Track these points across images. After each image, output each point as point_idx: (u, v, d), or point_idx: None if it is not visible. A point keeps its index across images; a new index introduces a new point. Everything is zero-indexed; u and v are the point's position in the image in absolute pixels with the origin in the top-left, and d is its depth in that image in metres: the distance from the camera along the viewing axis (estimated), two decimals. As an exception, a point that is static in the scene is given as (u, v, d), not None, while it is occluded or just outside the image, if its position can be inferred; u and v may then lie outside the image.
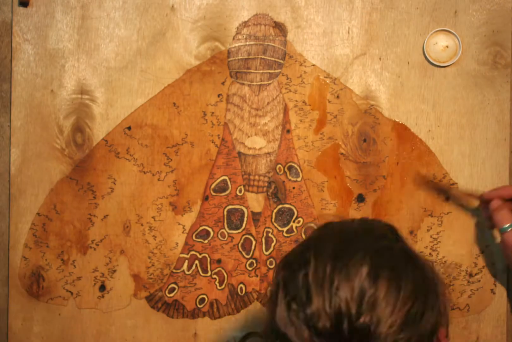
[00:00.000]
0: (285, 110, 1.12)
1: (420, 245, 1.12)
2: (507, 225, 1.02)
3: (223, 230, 1.12)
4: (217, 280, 1.12)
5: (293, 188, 1.11)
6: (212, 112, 1.11)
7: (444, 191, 1.11)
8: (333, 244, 0.77)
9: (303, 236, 1.12)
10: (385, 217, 1.12)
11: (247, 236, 1.12)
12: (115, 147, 1.11)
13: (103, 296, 1.11)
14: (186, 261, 1.12)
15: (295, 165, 1.11)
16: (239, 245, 1.12)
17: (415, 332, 0.74)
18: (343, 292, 0.73)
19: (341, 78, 1.11)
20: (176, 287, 1.11)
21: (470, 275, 1.12)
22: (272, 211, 1.12)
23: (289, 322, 0.74)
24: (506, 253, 1.03)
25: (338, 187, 1.12)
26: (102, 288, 1.11)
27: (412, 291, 0.74)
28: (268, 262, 1.12)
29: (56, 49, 1.10)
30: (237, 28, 1.11)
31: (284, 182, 1.12)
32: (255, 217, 1.12)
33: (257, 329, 1.12)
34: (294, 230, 1.12)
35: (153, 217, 1.11)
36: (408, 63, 1.11)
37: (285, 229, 1.12)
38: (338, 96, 1.11)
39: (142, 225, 1.11)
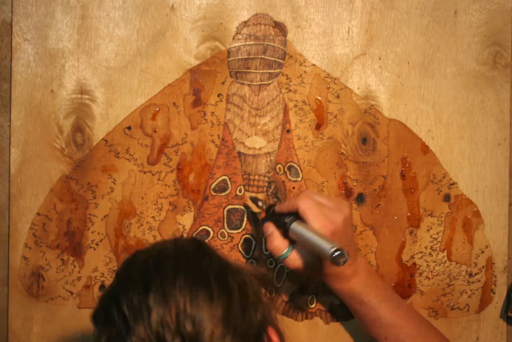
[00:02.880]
0: (285, 110, 1.12)
1: (420, 245, 1.12)
2: (284, 251, 1.00)
3: (223, 230, 1.12)
4: (217, 280, 1.12)
5: (293, 187, 1.11)
6: (212, 112, 1.11)
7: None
8: (137, 269, 0.78)
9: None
10: (385, 217, 1.12)
11: (247, 236, 1.12)
12: (115, 147, 1.11)
13: (103, 296, 1.11)
14: (186, 261, 1.12)
15: (295, 165, 1.12)
16: (239, 245, 1.12)
17: (240, 336, 0.75)
18: (159, 315, 0.74)
19: (341, 78, 1.11)
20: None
21: (470, 275, 1.12)
22: (272, 211, 1.12)
23: None
24: (298, 270, 1.01)
25: (338, 187, 1.12)
26: (102, 288, 1.11)
27: (227, 300, 0.76)
28: (268, 262, 1.12)
29: (56, 49, 1.10)
30: (237, 28, 1.11)
31: (284, 181, 1.12)
32: (255, 216, 1.12)
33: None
34: (294, 229, 1.12)
35: (153, 217, 1.11)
36: (408, 63, 1.11)
37: (285, 229, 1.12)
38: (338, 96, 1.11)
39: (142, 224, 1.11)
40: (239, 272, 0.81)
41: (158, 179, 1.11)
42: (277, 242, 1.00)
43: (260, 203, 1.07)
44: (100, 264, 1.11)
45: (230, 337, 0.75)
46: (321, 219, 0.98)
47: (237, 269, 0.82)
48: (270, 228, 1.02)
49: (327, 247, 0.94)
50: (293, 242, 1.00)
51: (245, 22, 1.11)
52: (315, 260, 0.99)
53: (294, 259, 1.00)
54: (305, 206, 0.98)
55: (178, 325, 0.73)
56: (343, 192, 1.12)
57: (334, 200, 1.02)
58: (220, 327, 0.74)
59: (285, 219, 1.00)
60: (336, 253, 0.93)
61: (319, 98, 1.11)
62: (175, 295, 0.75)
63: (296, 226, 0.99)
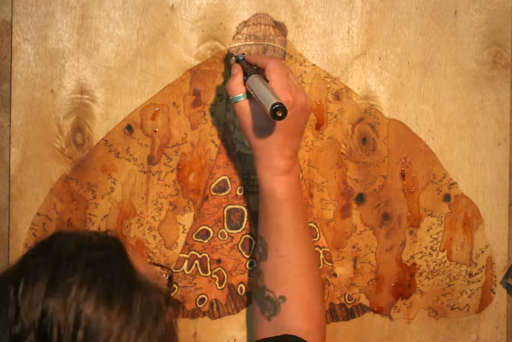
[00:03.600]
0: (285, 110, 1.11)
1: (420, 245, 1.12)
2: (239, 95, 1.00)
3: (223, 230, 1.12)
4: (217, 280, 1.12)
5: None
6: (212, 112, 1.11)
7: None
8: (46, 266, 0.77)
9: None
10: (385, 217, 1.12)
11: (247, 235, 1.12)
12: (115, 147, 1.11)
13: (103, 296, 1.11)
14: (186, 261, 1.12)
15: (295, 165, 1.11)
16: (239, 244, 1.12)
17: None
18: (53, 314, 0.73)
19: (341, 78, 1.11)
20: (175, 286, 1.11)
21: (470, 275, 1.12)
22: (272, 211, 1.12)
23: None
24: (241, 122, 1.01)
25: (338, 187, 1.12)
26: (102, 288, 1.11)
27: (127, 316, 0.75)
28: (268, 262, 1.12)
29: (56, 49, 1.10)
30: (237, 28, 1.11)
31: (284, 181, 1.11)
32: (255, 216, 1.12)
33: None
34: (294, 229, 1.12)
35: (153, 217, 1.11)
36: (408, 63, 1.11)
37: (285, 229, 1.12)
38: (338, 96, 1.11)
39: (142, 224, 1.11)
40: (145, 290, 0.79)
41: (158, 179, 1.11)
42: (236, 83, 1.00)
43: (235, 57, 1.07)
44: (100, 264, 1.11)
45: None
46: (283, 86, 0.97)
47: (145, 286, 0.80)
48: (237, 69, 1.03)
49: (272, 98, 0.93)
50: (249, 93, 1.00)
51: (245, 22, 1.11)
52: (260, 120, 0.98)
53: (243, 107, 0.99)
54: (275, 67, 0.99)
55: (71, 330, 0.73)
56: (343, 192, 1.12)
57: (302, 88, 1.03)
58: (114, 335, 0.74)
59: (250, 70, 1.01)
60: (277, 105, 0.92)
61: (319, 98, 1.11)
62: (75, 305, 0.74)
63: (254, 78, 0.99)
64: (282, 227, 1.00)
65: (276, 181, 1.00)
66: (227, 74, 1.09)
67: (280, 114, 0.92)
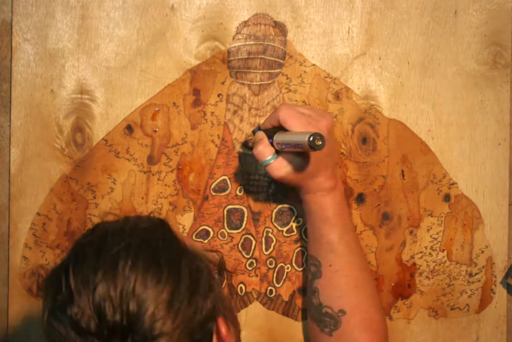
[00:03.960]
0: (285, 110, 1.11)
1: (420, 245, 1.12)
2: (269, 157, 1.00)
3: (223, 230, 1.12)
4: (217, 280, 1.12)
5: (293, 188, 1.11)
6: (212, 112, 1.11)
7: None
8: (93, 244, 0.78)
9: (303, 236, 1.12)
10: (385, 217, 1.12)
11: (247, 235, 1.12)
12: (115, 147, 1.11)
13: (103, 296, 1.11)
14: (186, 261, 1.11)
15: (295, 165, 1.11)
16: (239, 244, 1.12)
17: (183, 322, 0.75)
18: (103, 289, 0.74)
19: (341, 78, 1.11)
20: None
21: (470, 275, 1.12)
22: (272, 211, 1.12)
23: (52, 328, 0.76)
24: (281, 178, 1.01)
25: (338, 187, 1.12)
26: (102, 288, 1.11)
27: (176, 284, 0.76)
28: (268, 261, 1.12)
29: (56, 49, 1.10)
30: (237, 27, 1.11)
31: (284, 181, 1.12)
32: (255, 216, 1.12)
33: (257, 328, 1.12)
34: (294, 229, 1.12)
35: (153, 217, 1.11)
36: (408, 63, 1.11)
37: (285, 229, 1.12)
38: (338, 96, 1.11)
39: (142, 224, 1.11)
40: (194, 257, 0.80)
41: (158, 179, 1.11)
42: (263, 147, 1.01)
43: (250, 143, 1.08)
44: (100, 264, 1.11)
45: (170, 321, 0.74)
46: (303, 125, 0.98)
47: (193, 254, 0.81)
48: (260, 135, 1.03)
49: (305, 134, 0.94)
50: (279, 152, 1.01)
51: (245, 22, 1.11)
52: (298, 166, 0.99)
53: (277, 167, 1.00)
54: (285, 115, 0.99)
55: (121, 302, 0.73)
56: (343, 192, 1.12)
57: (316, 109, 1.04)
58: (162, 310, 0.74)
59: (271, 132, 1.02)
60: (313, 137, 0.92)
61: (319, 98, 1.11)
62: (123, 274, 0.74)
63: (279, 134, 1.00)
64: (334, 242, 1.02)
65: (324, 201, 1.02)
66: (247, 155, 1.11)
67: (319, 143, 0.93)
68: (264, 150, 1.00)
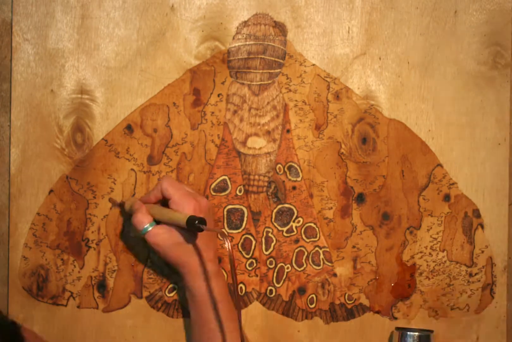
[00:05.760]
0: (285, 110, 1.12)
1: (420, 245, 1.12)
2: (146, 225, 1.01)
3: (223, 230, 1.12)
4: (217, 280, 1.12)
5: (293, 187, 1.11)
6: (212, 112, 1.11)
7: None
8: None
9: (303, 236, 1.12)
10: (385, 217, 1.12)
11: (247, 235, 1.12)
12: (115, 147, 1.11)
13: (103, 296, 1.11)
14: (186, 261, 1.12)
15: (295, 165, 1.12)
16: (239, 244, 1.12)
17: None
18: None
19: (341, 78, 1.11)
20: (176, 286, 1.11)
21: (470, 275, 1.12)
22: (272, 211, 1.12)
23: None
24: (158, 247, 1.01)
25: (338, 187, 1.12)
26: (102, 287, 1.11)
27: None
28: (268, 261, 1.12)
29: (56, 49, 1.10)
30: (237, 27, 1.11)
31: (284, 181, 1.12)
32: (255, 216, 1.12)
33: (257, 328, 1.12)
34: (294, 229, 1.12)
35: (153, 217, 1.11)
36: (408, 63, 1.11)
37: (285, 229, 1.12)
38: (338, 96, 1.11)
39: (142, 224, 1.11)
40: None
41: (158, 179, 1.11)
42: (141, 216, 1.01)
43: (127, 206, 1.08)
44: (100, 264, 1.11)
45: None
46: (185, 194, 1.01)
47: None
48: (138, 204, 1.03)
49: (183, 215, 0.96)
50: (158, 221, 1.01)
51: (245, 22, 1.11)
52: (176, 236, 1.00)
53: (154, 233, 1.00)
54: (167, 183, 1.02)
55: None
56: (343, 192, 1.12)
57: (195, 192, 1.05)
58: None
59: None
60: (192, 218, 0.94)
61: (319, 98, 1.11)
62: None
63: (154, 205, 1.02)
64: (217, 330, 1.01)
65: (208, 286, 1.01)
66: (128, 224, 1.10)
67: (199, 225, 0.94)
68: (142, 219, 1.01)
